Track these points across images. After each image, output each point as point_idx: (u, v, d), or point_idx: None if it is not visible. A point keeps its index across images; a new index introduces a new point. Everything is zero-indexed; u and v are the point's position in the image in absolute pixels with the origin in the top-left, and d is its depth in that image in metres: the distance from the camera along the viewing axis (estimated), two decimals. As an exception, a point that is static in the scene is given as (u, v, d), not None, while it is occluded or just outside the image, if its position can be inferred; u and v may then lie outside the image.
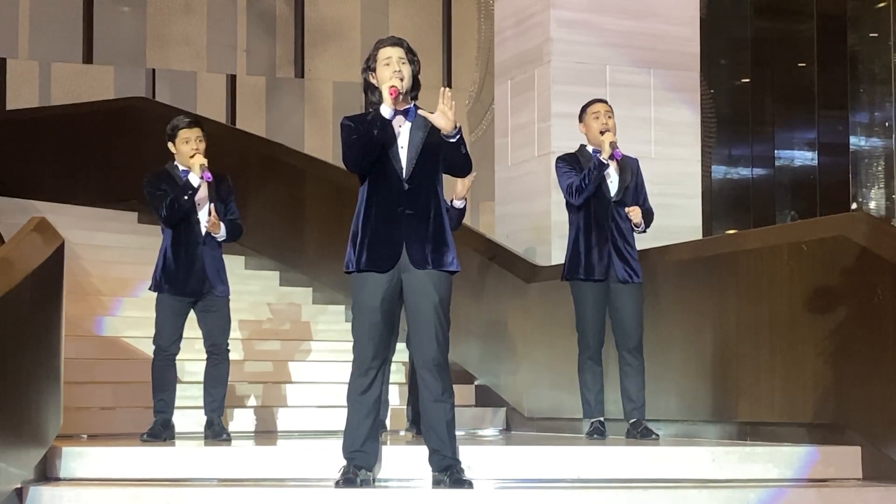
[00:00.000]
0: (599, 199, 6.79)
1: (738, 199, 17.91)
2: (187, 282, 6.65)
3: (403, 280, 5.06)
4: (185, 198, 6.57)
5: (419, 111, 5.18)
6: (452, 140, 5.03)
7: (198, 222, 6.71)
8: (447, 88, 5.05)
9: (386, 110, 5.03)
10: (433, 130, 5.12)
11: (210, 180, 6.59)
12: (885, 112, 17.79)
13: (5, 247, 5.44)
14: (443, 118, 4.99)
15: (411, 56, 5.16)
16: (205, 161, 6.59)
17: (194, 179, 6.57)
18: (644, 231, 6.88)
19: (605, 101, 7.00)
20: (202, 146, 6.69)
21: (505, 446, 6.46)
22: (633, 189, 6.89)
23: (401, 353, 6.92)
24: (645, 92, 8.76)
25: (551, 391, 7.92)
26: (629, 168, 6.89)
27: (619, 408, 6.79)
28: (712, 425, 6.74)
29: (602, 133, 6.77)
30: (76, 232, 9.25)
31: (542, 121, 8.78)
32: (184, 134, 6.69)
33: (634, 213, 6.78)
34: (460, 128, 5.07)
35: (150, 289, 6.76)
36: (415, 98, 5.21)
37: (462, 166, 5.17)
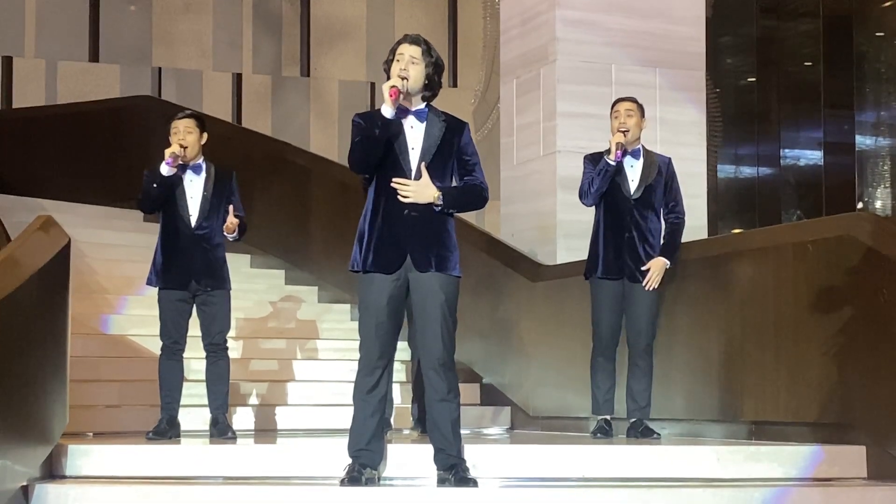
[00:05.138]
0: (618, 197, 6.73)
1: (744, 199, 17.91)
2: (175, 276, 6.66)
3: (410, 280, 5.06)
4: (155, 185, 6.60)
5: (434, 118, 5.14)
6: (438, 209, 5.04)
7: (188, 217, 6.71)
8: (394, 181, 5.00)
9: (386, 110, 4.98)
10: (447, 133, 5.10)
11: (171, 165, 6.57)
12: (891, 111, 17.79)
13: (11, 245, 5.44)
14: (420, 196, 5.00)
15: (429, 58, 5.07)
16: (176, 149, 6.59)
17: (163, 168, 6.59)
18: (671, 263, 6.75)
19: (628, 99, 6.86)
20: (190, 137, 6.69)
21: (510, 445, 6.46)
22: (662, 189, 6.82)
23: (401, 351, 6.92)
24: (650, 91, 8.75)
25: (556, 390, 7.92)
26: (655, 166, 6.82)
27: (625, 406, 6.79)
28: (717, 424, 6.74)
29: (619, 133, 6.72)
30: (82, 230, 9.26)
31: (547, 120, 8.78)
32: (174, 125, 6.73)
33: (653, 274, 6.69)
34: (442, 196, 5.02)
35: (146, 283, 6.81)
36: (428, 99, 5.15)
37: (469, 211, 5.22)
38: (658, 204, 6.82)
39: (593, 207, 6.86)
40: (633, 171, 6.77)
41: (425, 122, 5.11)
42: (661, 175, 6.83)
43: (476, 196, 5.17)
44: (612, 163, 6.64)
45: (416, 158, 5.07)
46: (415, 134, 5.10)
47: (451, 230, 5.13)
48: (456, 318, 5.10)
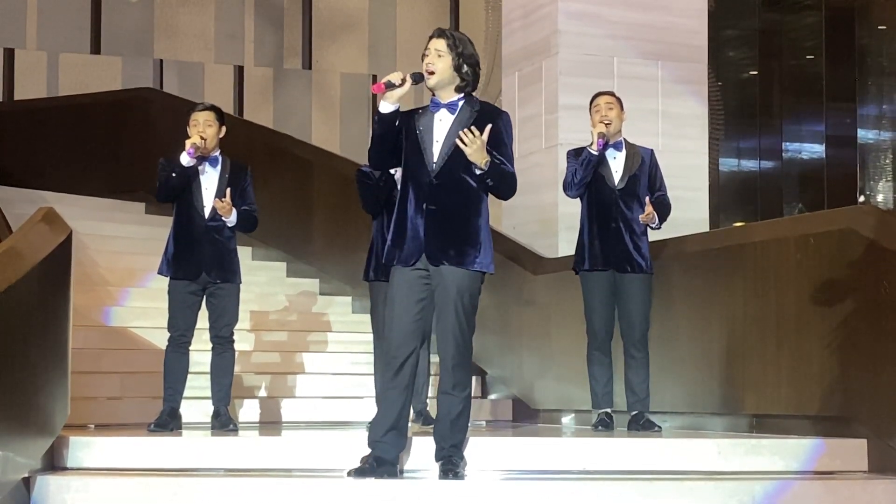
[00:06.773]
0: (602, 188, 6.78)
1: (746, 192, 17.90)
2: (185, 266, 6.66)
3: (431, 275, 5.05)
4: (174, 175, 6.60)
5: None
6: (478, 172, 4.99)
7: (202, 208, 6.72)
8: (468, 130, 4.95)
9: (383, 105, 4.99)
10: (477, 122, 5.02)
11: (192, 155, 6.58)
12: (893, 105, 17.77)
13: (13, 237, 5.45)
14: (476, 154, 4.95)
15: (455, 50, 5.04)
16: (197, 140, 6.60)
17: (183, 158, 6.59)
18: (658, 227, 6.84)
19: (608, 93, 6.92)
20: (210, 130, 6.70)
21: (511, 437, 6.46)
22: (646, 179, 6.87)
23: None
24: (652, 84, 8.75)
25: (557, 383, 7.93)
26: (638, 157, 6.86)
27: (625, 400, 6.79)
28: (718, 417, 6.74)
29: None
30: (84, 222, 9.27)
31: (549, 113, 8.78)
32: (194, 117, 6.74)
33: (646, 215, 6.75)
34: (489, 163, 4.99)
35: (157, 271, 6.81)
36: (461, 90, 5.10)
37: (497, 193, 5.15)
38: (643, 194, 6.84)
39: (571, 201, 6.90)
40: (617, 163, 6.81)
41: (456, 114, 5.09)
42: (645, 165, 6.86)
43: (510, 180, 5.13)
44: (595, 152, 6.68)
45: (437, 151, 5.05)
46: (442, 127, 5.08)
47: (479, 224, 5.08)
48: (473, 318, 5.08)
